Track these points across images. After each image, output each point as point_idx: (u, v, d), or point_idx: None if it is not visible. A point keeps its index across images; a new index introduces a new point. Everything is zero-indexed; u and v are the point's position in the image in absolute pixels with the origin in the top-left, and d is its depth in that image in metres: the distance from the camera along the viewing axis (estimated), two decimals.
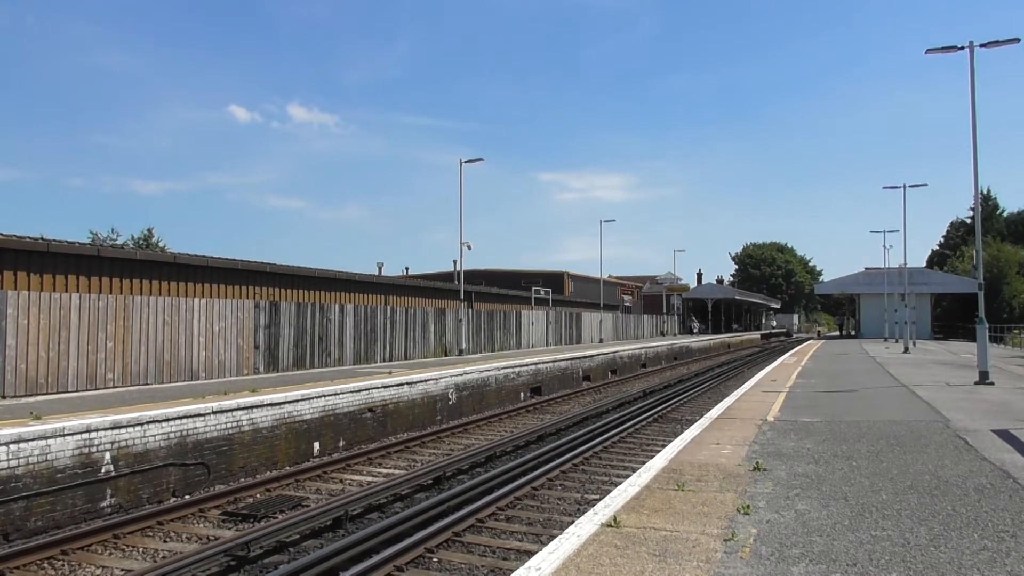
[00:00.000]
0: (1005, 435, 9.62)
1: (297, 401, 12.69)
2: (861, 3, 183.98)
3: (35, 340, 13.26)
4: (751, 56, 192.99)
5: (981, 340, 17.21)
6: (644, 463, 8.63)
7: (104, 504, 9.22)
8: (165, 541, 8.21)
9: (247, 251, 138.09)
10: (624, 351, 33.23)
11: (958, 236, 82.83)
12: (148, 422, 9.95)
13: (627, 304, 66.45)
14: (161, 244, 44.13)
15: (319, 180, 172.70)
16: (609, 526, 5.46)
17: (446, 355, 27.28)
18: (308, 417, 12.87)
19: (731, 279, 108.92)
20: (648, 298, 74.27)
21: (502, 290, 41.70)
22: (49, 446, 8.70)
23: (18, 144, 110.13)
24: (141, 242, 43.64)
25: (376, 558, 7.02)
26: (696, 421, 11.65)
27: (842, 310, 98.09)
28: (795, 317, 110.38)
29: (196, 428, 10.67)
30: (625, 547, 4.98)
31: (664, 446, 10.28)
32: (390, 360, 23.78)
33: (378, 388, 15.00)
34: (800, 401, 13.86)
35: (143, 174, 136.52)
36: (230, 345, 17.52)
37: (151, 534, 8.42)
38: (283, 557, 7.51)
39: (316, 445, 12.96)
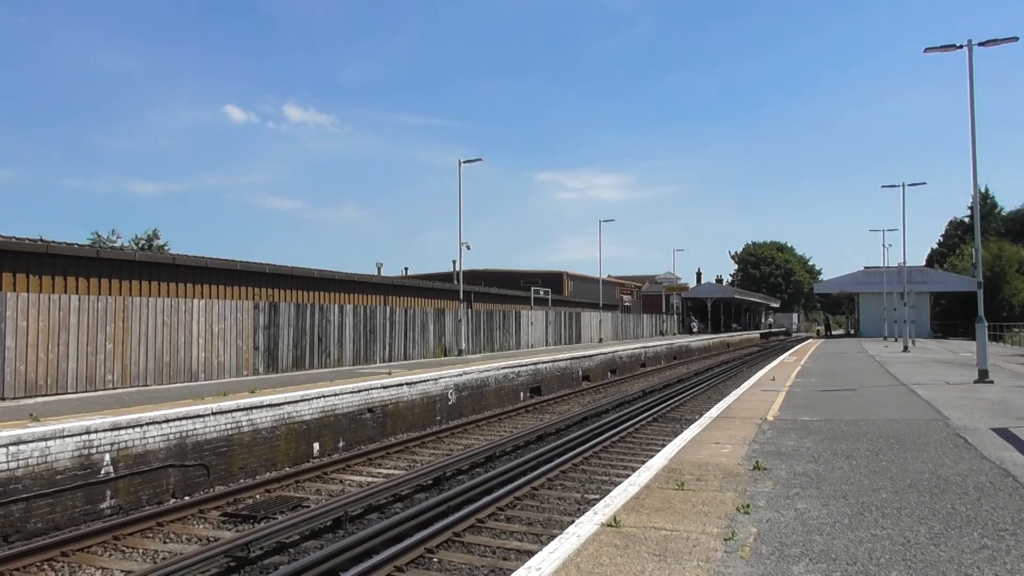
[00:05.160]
0: (1005, 433, 9.63)
1: (296, 402, 12.69)
2: (859, 1, 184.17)
3: (34, 342, 13.25)
4: (749, 55, 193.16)
5: (980, 339, 17.22)
6: (644, 463, 8.63)
7: (104, 505, 9.22)
8: (165, 542, 8.20)
9: (245, 251, 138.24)
10: (623, 351, 33.23)
11: (957, 235, 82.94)
12: (148, 423, 9.94)
13: (626, 304, 66.49)
14: (166, 246, 44.12)
15: (316, 180, 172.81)
16: (609, 526, 5.46)
17: (446, 355, 27.28)
18: (308, 418, 12.87)
19: (731, 278, 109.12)
20: (647, 298, 74.30)
21: (501, 290, 41.72)
22: (49, 448, 8.69)
23: (15, 145, 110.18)
24: (146, 243, 43.59)
25: (376, 558, 7.02)
26: (696, 420, 11.66)
27: (841, 309, 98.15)
28: (794, 316, 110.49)
29: (196, 429, 10.67)
30: (625, 547, 4.98)
31: (664, 445, 10.28)
32: (389, 360, 23.78)
33: (377, 388, 15.00)
34: (800, 400, 13.87)
35: (141, 175, 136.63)
36: (229, 346, 17.51)
37: (151, 535, 8.42)
38: (283, 558, 7.51)
39: (316, 446, 12.96)
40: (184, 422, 10.51)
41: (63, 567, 7.38)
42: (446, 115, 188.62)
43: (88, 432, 9.16)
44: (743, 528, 5.39)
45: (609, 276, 70.36)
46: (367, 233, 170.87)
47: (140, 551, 7.89)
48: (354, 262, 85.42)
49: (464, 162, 30.13)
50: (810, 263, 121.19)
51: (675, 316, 67.63)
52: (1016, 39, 17.95)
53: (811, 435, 9.62)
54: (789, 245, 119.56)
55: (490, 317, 31.91)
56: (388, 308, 24.45)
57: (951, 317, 66.19)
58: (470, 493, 9.57)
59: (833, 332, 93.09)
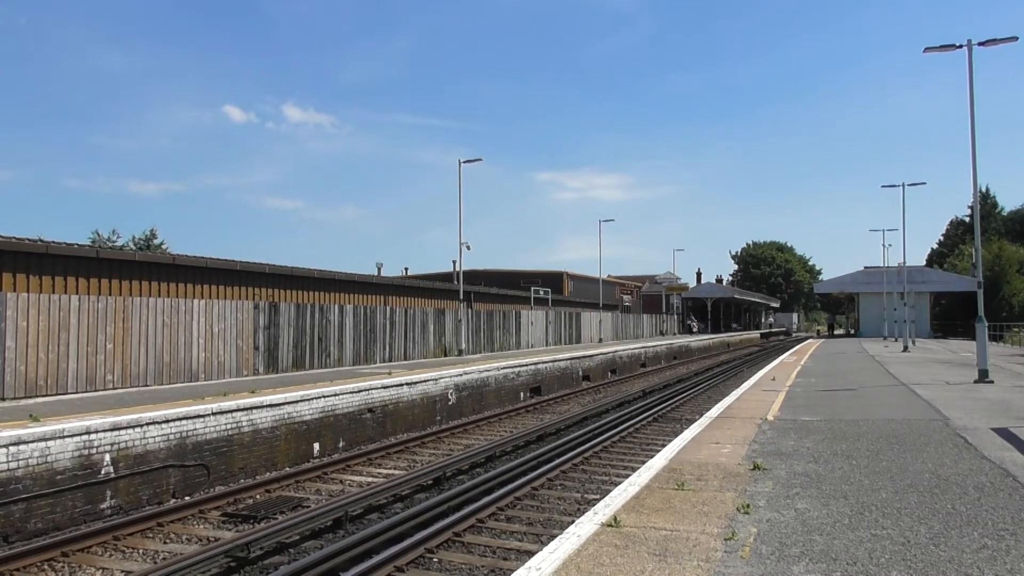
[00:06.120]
0: (1004, 433, 9.63)
1: (297, 402, 12.69)
2: (859, 2, 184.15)
3: (34, 342, 13.25)
4: (749, 55, 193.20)
5: (980, 338, 17.21)
6: (644, 462, 8.63)
7: (104, 506, 9.22)
8: (165, 542, 8.20)
9: (245, 252, 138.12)
10: (623, 351, 33.23)
11: (957, 235, 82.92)
12: (148, 423, 9.94)
13: (626, 304, 66.47)
14: (164, 245, 44.14)
15: (316, 180, 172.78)
16: (609, 526, 5.46)
17: (446, 355, 27.27)
18: (308, 418, 12.87)
19: (731, 278, 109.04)
20: (647, 298, 74.29)
21: (501, 290, 41.71)
22: (49, 448, 8.69)
23: (13, 144, 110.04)
24: (143, 243, 43.62)
25: (376, 558, 7.02)
26: (696, 420, 11.66)
27: (841, 309, 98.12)
28: (794, 316, 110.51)
29: (196, 429, 10.67)
30: (625, 547, 4.98)
31: (664, 446, 10.28)
32: (390, 360, 23.78)
33: (378, 388, 15.00)
34: (800, 400, 13.86)
35: (140, 175, 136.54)
36: (230, 346, 17.51)
37: (151, 535, 8.42)
38: (283, 558, 7.51)
39: (316, 446, 12.96)
40: (184, 422, 10.51)
41: (63, 567, 7.38)
42: (446, 115, 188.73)
43: (88, 432, 9.16)
44: (743, 528, 5.39)
45: (609, 276, 70.36)
46: (367, 233, 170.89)
47: (140, 551, 7.89)
48: (354, 262, 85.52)
49: (464, 162, 30.15)
50: (810, 263, 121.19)
51: (675, 316, 67.61)
52: (1016, 39, 17.94)
53: (811, 435, 9.62)
54: (789, 245, 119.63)
55: (490, 317, 31.90)
56: (388, 308, 24.45)
57: (951, 317, 66.19)
58: (470, 493, 9.57)
59: (834, 332, 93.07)
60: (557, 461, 11.50)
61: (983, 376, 16.77)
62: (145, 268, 17.76)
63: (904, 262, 43.53)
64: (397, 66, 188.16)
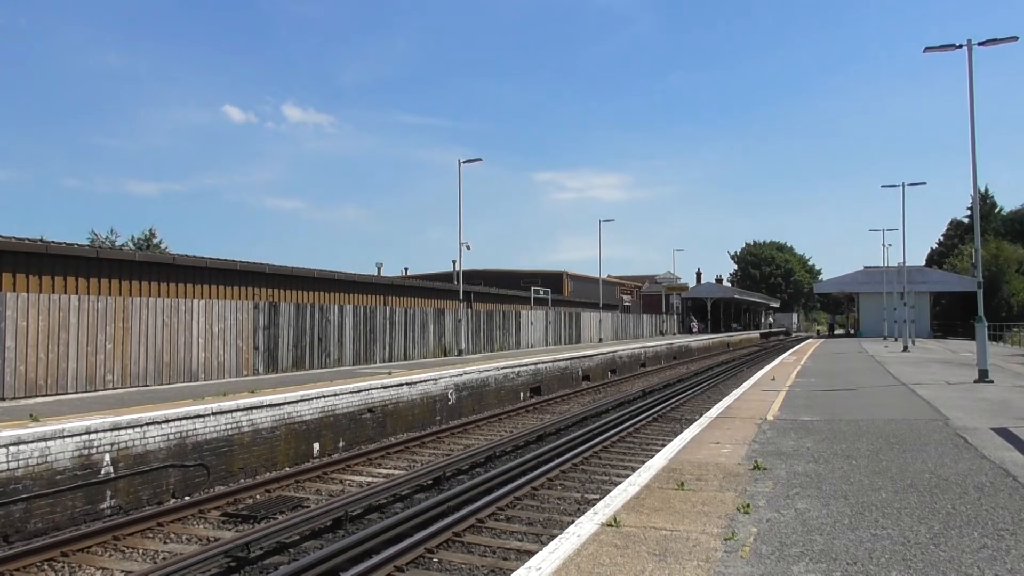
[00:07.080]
0: (1004, 433, 9.63)
1: (296, 402, 12.69)
2: (859, 1, 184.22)
3: (34, 342, 13.25)
4: (749, 55, 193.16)
5: (980, 338, 17.22)
6: (644, 462, 8.63)
7: (104, 506, 9.22)
8: (165, 542, 8.20)
9: (245, 252, 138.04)
10: (623, 351, 33.23)
11: (957, 235, 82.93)
12: (148, 423, 9.94)
13: (626, 304, 66.48)
14: (163, 245, 44.17)
15: (316, 180, 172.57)
16: (609, 526, 5.46)
17: (446, 355, 27.27)
18: (307, 418, 12.87)
19: (730, 278, 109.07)
20: (647, 298, 74.27)
21: (501, 290, 41.72)
22: (49, 448, 8.69)
23: (12, 144, 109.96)
24: (143, 243, 43.64)
25: (376, 558, 7.02)
26: (696, 420, 11.66)
27: (841, 309, 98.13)
28: (794, 316, 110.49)
29: (196, 429, 10.67)
30: (625, 547, 4.98)
31: (664, 445, 10.28)
32: (389, 361, 23.78)
33: (377, 388, 15.00)
34: (800, 400, 13.87)
35: (139, 175, 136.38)
36: (229, 346, 17.51)
37: (151, 535, 8.42)
38: (283, 558, 7.51)
39: (316, 446, 12.96)
40: (184, 422, 10.51)
41: (63, 567, 7.38)
42: (446, 115, 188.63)
43: (88, 432, 9.16)
44: (743, 528, 5.39)
45: (609, 276, 70.38)
46: (367, 233, 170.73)
47: (140, 551, 7.89)
48: (354, 262, 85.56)
49: (464, 162, 30.16)
50: (810, 263, 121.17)
51: (675, 316, 67.60)
52: (1016, 39, 17.95)
53: (811, 435, 9.62)
54: (789, 245, 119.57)
55: (490, 317, 31.90)
56: (388, 308, 24.45)
57: (951, 317, 66.22)
58: (470, 493, 9.58)
59: (834, 332, 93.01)
60: (557, 461, 11.50)
61: (983, 376, 16.78)
62: (145, 268, 17.75)
63: (904, 262, 43.57)
64: (397, 66, 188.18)
